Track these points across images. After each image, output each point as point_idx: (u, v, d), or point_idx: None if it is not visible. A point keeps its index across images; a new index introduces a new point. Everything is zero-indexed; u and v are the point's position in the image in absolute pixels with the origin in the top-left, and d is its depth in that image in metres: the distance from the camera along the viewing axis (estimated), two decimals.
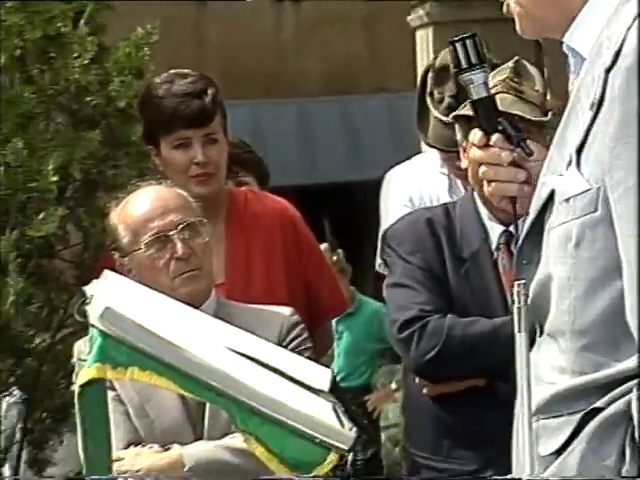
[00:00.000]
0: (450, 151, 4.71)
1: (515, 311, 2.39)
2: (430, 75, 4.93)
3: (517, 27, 2.73)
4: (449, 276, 3.99)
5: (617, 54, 2.44)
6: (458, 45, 2.68)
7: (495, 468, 3.70)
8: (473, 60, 2.68)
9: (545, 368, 2.60)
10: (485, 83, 2.70)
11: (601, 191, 2.41)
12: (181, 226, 3.78)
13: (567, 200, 2.48)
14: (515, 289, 2.36)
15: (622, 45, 2.45)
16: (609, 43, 2.48)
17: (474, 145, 2.73)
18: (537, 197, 2.60)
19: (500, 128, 2.68)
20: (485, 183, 2.74)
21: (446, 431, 4.02)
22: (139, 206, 3.88)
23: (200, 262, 3.83)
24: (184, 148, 4.27)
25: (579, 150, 2.47)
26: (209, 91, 4.33)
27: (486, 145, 2.69)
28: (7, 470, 5.18)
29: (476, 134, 2.70)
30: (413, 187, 5.13)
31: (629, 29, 2.46)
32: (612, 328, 2.46)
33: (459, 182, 4.84)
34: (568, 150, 2.53)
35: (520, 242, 2.62)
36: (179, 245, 3.76)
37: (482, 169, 2.71)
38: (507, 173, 2.70)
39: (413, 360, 3.89)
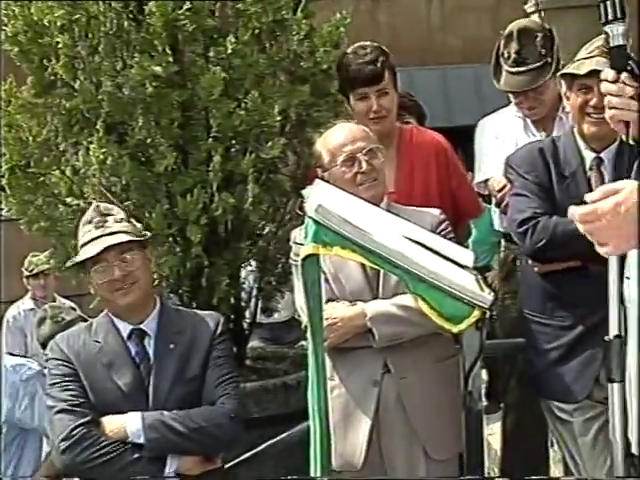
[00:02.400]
0: (516, 92, 5.22)
1: None
2: (501, 41, 5.30)
3: None
4: (554, 189, 4.22)
5: None
6: (608, 3, 2.84)
7: (584, 324, 4.11)
8: (618, 14, 2.84)
9: None
10: (622, 34, 2.87)
11: None
12: (365, 150, 4.13)
13: None
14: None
15: None
16: None
17: (606, 80, 2.88)
18: None
19: (629, 69, 2.86)
20: (607, 110, 2.91)
21: (550, 297, 4.25)
22: (336, 136, 4.22)
23: (377, 175, 4.14)
24: (364, 100, 4.74)
25: None
26: (380, 58, 4.74)
27: (615, 81, 2.85)
28: (249, 316, 5.53)
29: (609, 72, 2.86)
30: (498, 128, 5.44)
31: None
32: None
33: (529, 122, 5.29)
34: None
35: None
36: (364, 163, 4.11)
37: (609, 98, 2.87)
38: (628, 103, 2.82)
39: (528, 247, 4.18)
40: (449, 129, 6.03)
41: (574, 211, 2.46)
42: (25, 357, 5.86)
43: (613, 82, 2.80)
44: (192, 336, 4.01)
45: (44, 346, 5.57)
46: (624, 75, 2.81)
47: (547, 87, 5.13)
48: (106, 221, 4.01)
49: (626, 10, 2.81)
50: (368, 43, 4.87)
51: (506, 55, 5.25)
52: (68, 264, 4.15)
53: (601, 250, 2.44)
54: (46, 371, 4.35)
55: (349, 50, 4.90)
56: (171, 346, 3.98)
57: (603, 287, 3.47)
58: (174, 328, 4.03)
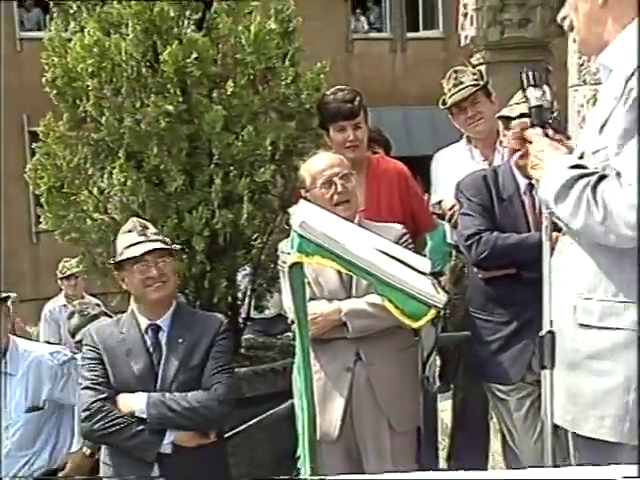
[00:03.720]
0: (457, 106, 5.09)
1: (543, 229, 2.89)
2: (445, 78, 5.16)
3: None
4: (495, 209, 4.18)
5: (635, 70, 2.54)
6: (529, 73, 2.90)
7: (518, 320, 4.06)
8: (535, 82, 2.89)
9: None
10: (538, 97, 2.87)
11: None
12: (340, 174, 4.08)
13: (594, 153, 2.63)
14: (544, 214, 2.86)
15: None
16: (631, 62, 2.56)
17: (527, 135, 2.85)
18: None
19: (546, 126, 2.84)
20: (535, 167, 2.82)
21: (490, 298, 4.21)
22: (317, 163, 4.16)
23: (350, 195, 4.09)
24: (342, 131, 4.63)
25: (604, 124, 2.60)
26: (357, 98, 4.68)
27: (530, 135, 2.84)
28: (243, 312, 5.54)
29: (530, 130, 2.86)
30: (450, 159, 5.32)
31: None
32: None
33: (475, 153, 5.16)
34: (596, 125, 2.66)
35: None
36: (339, 186, 4.06)
37: (528, 146, 2.85)
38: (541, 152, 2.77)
39: (473, 258, 4.14)
40: (410, 158, 6.01)
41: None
42: (59, 344, 5.76)
43: (539, 140, 2.80)
44: (199, 333, 4.03)
45: (73, 335, 5.72)
46: (539, 129, 2.82)
47: (484, 104, 5.05)
48: (146, 232, 4.08)
49: (542, 79, 2.84)
50: (344, 87, 4.84)
51: (448, 84, 5.19)
52: (113, 260, 4.13)
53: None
54: (79, 355, 4.48)
55: (328, 92, 4.84)
56: (180, 340, 4.00)
57: (533, 290, 3.45)
58: (184, 325, 4.05)
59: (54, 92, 5.29)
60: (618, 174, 2.47)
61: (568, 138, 2.95)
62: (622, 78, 2.54)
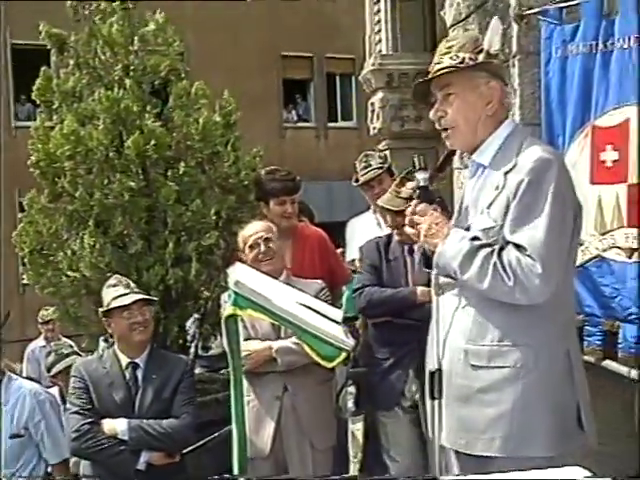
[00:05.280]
0: (364, 185, 5.04)
1: (432, 285, 2.80)
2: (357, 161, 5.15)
3: (449, 145, 2.75)
4: (383, 268, 4.10)
5: (514, 166, 2.55)
6: (416, 158, 2.76)
7: (394, 357, 4.00)
8: (421, 166, 2.75)
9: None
10: (424, 178, 2.74)
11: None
12: (263, 238, 4.06)
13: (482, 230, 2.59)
14: (432, 273, 2.76)
15: (516, 162, 2.56)
16: (507, 159, 2.58)
17: (419, 210, 2.72)
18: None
19: (432, 202, 2.72)
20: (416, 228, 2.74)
21: (375, 339, 4.16)
22: (247, 230, 4.15)
23: (273, 254, 4.05)
24: (281, 205, 4.54)
25: (489, 207, 2.58)
26: (297, 178, 4.65)
27: (422, 209, 2.71)
28: (192, 352, 5.36)
29: (418, 205, 2.72)
30: (361, 224, 5.33)
31: (517, 154, 2.57)
32: None
33: (381, 221, 4.88)
34: (480, 208, 2.63)
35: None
36: (262, 246, 4.03)
37: (416, 219, 2.73)
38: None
39: (358, 307, 4.01)
40: (332, 223, 6.06)
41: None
42: (40, 383, 5.57)
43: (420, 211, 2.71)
44: (169, 371, 4.03)
45: (49, 370, 5.60)
46: (424, 205, 2.72)
47: (387, 182, 4.83)
48: (129, 285, 4.10)
49: (427, 164, 2.73)
50: (280, 168, 4.76)
51: (360, 165, 5.11)
52: (105, 308, 4.06)
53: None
54: (54, 389, 4.55)
55: (266, 171, 4.74)
56: (154, 376, 3.99)
57: (407, 332, 3.71)
58: (158, 364, 4.04)
59: (37, 172, 5.22)
60: (517, 246, 2.48)
61: (449, 213, 2.77)
62: (500, 172, 2.55)
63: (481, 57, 2.63)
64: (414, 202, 2.72)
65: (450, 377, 2.65)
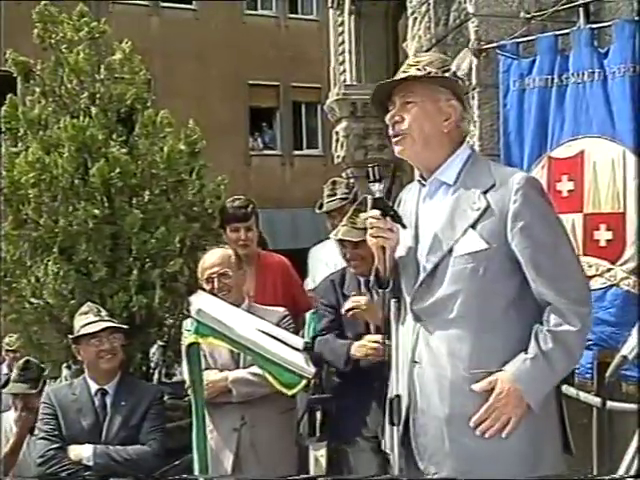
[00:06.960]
0: (329, 212, 4.98)
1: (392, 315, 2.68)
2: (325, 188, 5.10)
3: (398, 150, 2.62)
4: (340, 306, 3.85)
5: (492, 186, 2.49)
6: (371, 169, 2.65)
7: (361, 392, 3.76)
8: (377, 177, 2.64)
9: None
10: (380, 190, 2.65)
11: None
12: (218, 273, 3.96)
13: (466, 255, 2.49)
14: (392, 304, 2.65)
15: (494, 181, 2.50)
16: (479, 180, 2.52)
17: (372, 218, 2.63)
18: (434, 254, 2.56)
19: (390, 213, 2.65)
20: (371, 238, 2.64)
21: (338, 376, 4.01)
22: (206, 260, 4.05)
23: (229, 288, 3.94)
24: (236, 232, 4.60)
25: (473, 227, 2.48)
26: (250, 206, 4.65)
27: (378, 220, 2.61)
28: (155, 379, 5.32)
29: (376, 212, 2.63)
30: (324, 251, 5.25)
31: (491, 175, 2.52)
32: None
33: None
34: (459, 229, 2.51)
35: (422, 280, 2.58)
36: (216, 282, 3.94)
37: (374, 230, 2.62)
38: (386, 234, 2.62)
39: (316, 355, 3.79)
40: (296, 250, 6.05)
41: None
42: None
43: (378, 219, 2.61)
44: (138, 398, 4.03)
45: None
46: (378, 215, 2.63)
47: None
48: (100, 313, 4.11)
49: (382, 174, 2.64)
50: (241, 196, 4.81)
51: (326, 191, 5.11)
52: (76, 334, 4.05)
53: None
54: (7, 413, 4.53)
55: (229, 200, 4.82)
56: (123, 403, 3.99)
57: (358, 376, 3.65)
58: (127, 391, 4.04)
59: (1, 199, 5.17)
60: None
61: (403, 226, 2.65)
62: (476, 192, 2.49)
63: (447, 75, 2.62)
64: (370, 211, 2.67)
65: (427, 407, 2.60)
